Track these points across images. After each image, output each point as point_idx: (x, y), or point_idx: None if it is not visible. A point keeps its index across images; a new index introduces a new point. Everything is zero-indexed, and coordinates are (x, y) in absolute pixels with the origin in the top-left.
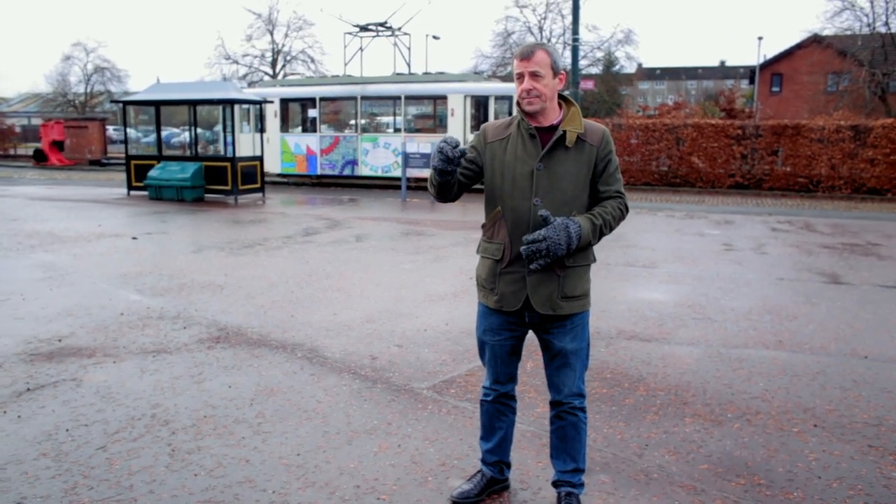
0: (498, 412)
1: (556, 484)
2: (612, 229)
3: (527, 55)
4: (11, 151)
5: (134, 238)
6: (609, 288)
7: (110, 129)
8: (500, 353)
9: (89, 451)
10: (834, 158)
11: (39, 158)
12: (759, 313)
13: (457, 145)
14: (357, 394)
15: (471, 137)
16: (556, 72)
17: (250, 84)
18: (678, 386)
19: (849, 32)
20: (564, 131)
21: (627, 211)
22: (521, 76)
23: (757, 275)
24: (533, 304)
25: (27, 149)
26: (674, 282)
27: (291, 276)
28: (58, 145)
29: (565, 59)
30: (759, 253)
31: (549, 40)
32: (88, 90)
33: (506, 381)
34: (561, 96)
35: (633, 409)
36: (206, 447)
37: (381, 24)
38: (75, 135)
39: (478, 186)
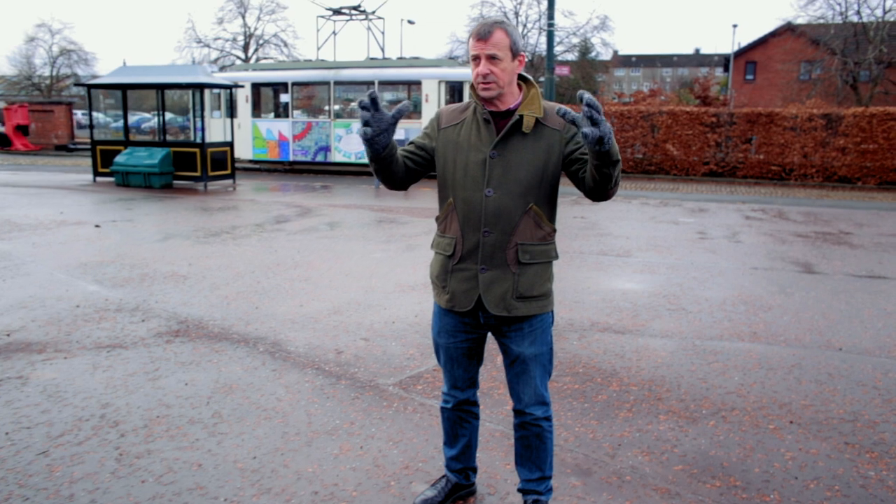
0: (459, 419)
1: (522, 491)
2: (620, 170)
3: (483, 35)
4: None
5: (97, 226)
6: (583, 278)
7: (78, 114)
8: (456, 356)
9: (29, 456)
10: (806, 147)
11: (3, 143)
12: (733, 304)
13: (374, 97)
14: (319, 391)
15: None
16: (515, 53)
17: (222, 68)
18: (652, 381)
19: (822, 21)
20: (521, 116)
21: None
22: (476, 59)
23: (731, 264)
24: (485, 304)
25: None
26: (648, 271)
27: (258, 266)
28: (22, 129)
29: (541, 46)
30: (733, 241)
31: (524, 26)
32: (54, 73)
33: (465, 387)
34: (520, 76)
35: (606, 405)
36: (157, 450)
37: (355, 8)
38: (41, 119)
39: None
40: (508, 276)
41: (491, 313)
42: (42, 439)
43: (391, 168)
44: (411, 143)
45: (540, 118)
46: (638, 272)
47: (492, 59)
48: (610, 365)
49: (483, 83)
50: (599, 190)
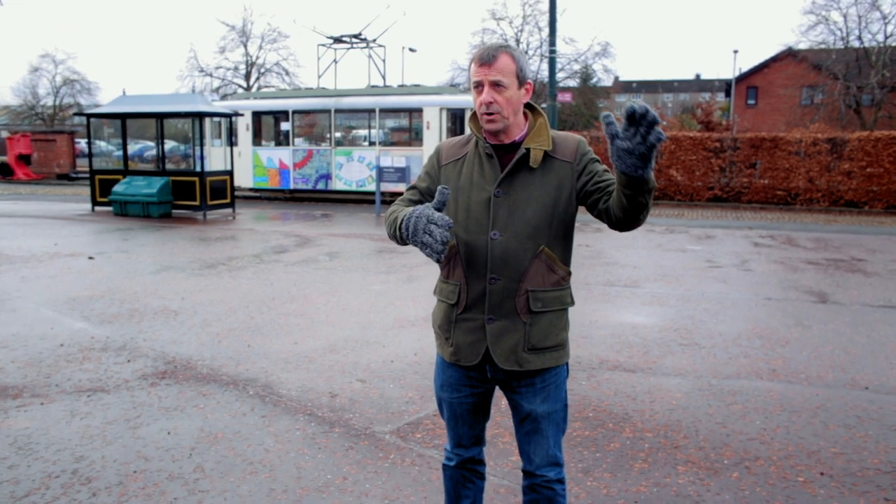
0: (463, 479)
1: None
2: (651, 200)
3: (487, 59)
4: None
5: (90, 258)
6: (590, 311)
7: (81, 143)
8: (461, 412)
9: None
10: (811, 171)
11: (4, 172)
12: (748, 338)
13: (444, 200)
14: (311, 440)
15: None
16: (522, 81)
17: (223, 97)
18: (668, 426)
19: (823, 46)
20: (527, 149)
21: None
22: (479, 86)
23: (743, 294)
24: (494, 357)
25: None
26: (658, 303)
27: (253, 300)
28: (24, 159)
29: (542, 73)
30: (743, 270)
31: (525, 53)
32: (57, 103)
33: (470, 445)
34: (527, 105)
35: (619, 455)
36: None
37: (356, 36)
38: (43, 148)
39: None
40: (519, 326)
41: (500, 367)
42: (5, 501)
43: None
44: (413, 187)
45: (549, 150)
46: (647, 304)
47: (496, 86)
48: (622, 408)
49: (487, 114)
50: (630, 220)
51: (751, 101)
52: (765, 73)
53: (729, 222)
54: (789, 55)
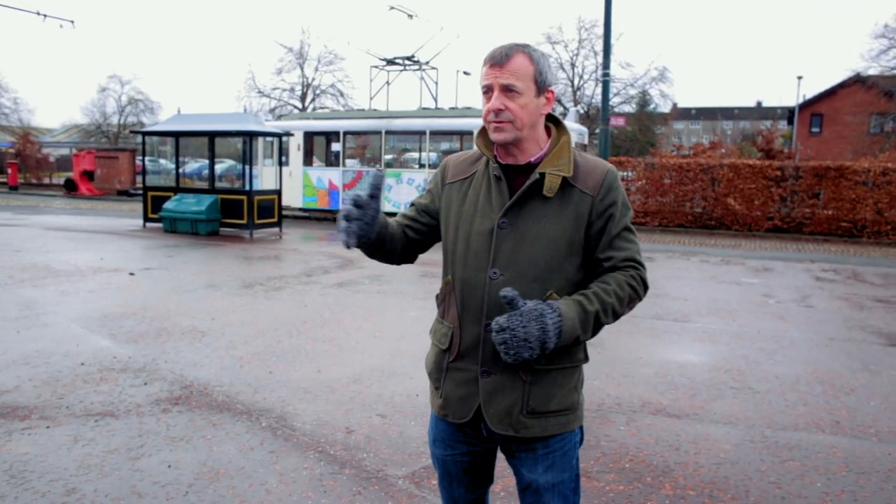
0: None
1: None
2: (617, 316)
3: (499, 60)
4: (46, 180)
5: (131, 274)
6: (635, 346)
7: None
8: (455, 471)
9: None
10: (880, 202)
11: (70, 188)
12: (808, 383)
13: (377, 184)
14: (317, 482)
15: None
16: (541, 87)
17: (278, 117)
18: (714, 483)
19: (895, 72)
20: (542, 174)
21: (646, 289)
22: (488, 90)
23: (803, 333)
24: (486, 419)
25: (62, 178)
26: (709, 340)
27: (283, 323)
28: (88, 175)
29: (597, 97)
30: (803, 306)
31: (580, 77)
32: (122, 121)
33: None
34: (550, 118)
35: None
36: None
37: (408, 58)
38: (106, 165)
39: None
40: (517, 384)
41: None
42: None
43: (385, 247)
44: (413, 205)
45: (568, 177)
46: (697, 341)
47: (508, 90)
48: (662, 459)
49: (495, 122)
50: None
51: (815, 129)
52: (831, 99)
53: (789, 254)
54: (857, 81)
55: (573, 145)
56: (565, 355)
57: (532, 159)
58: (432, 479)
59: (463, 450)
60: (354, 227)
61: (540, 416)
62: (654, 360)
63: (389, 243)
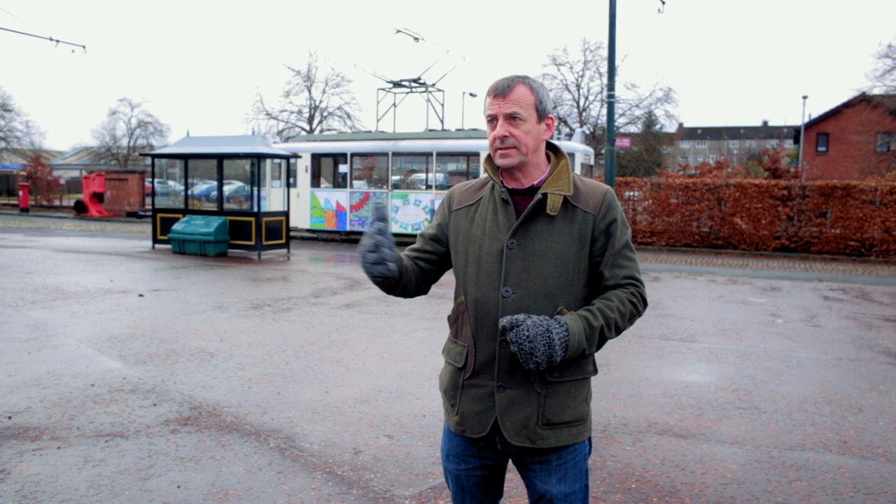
0: None
1: None
2: (619, 331)
3: (502, 90)
4: (56, 202)
5: (140, 295)
6: (641, 367)
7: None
8: (468, 486)
9: None
10: (888, 221)
11: (80, 210)
12: (816, 403)
13: (383, 215)
14: (325, 502)
15: None
16: (542, 115)
17: (286, 139)
18: (720, 503)
19: None
20: (545, 195)
21: (645, 305)
22: (493, 119)
23: (810, 353)
24: (503, 431)
25: (72, 200)
26: (715, 360)
27: (291, 344)
28: (98, 197)
29: (602, 118)
30: (811, 325)
31: (586, 98)
32: (131, 144)
33: None
34: (550, 145)
35: None
36: None
37: (415, 80)
38: (115, 187)
39: None
40: (532, 397)
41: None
42: None
43: (401, 282)
44: (421, 235)
45: (569, 196)
46: (703, 360)
47: (512, 118)
48: (669, 480)
49: (501, 148)
50: None
51: (821, 148)
52: (836, 118)
53: (796, 273)
54: (863, 100)
55: (572, 169)
56: (577, 367)
57: (535, 182)
58: (439, 499)
59: (476, 464)
60: (377, 270)
61: (555, 427)
62: (661, 380)
63: (406, 277)
